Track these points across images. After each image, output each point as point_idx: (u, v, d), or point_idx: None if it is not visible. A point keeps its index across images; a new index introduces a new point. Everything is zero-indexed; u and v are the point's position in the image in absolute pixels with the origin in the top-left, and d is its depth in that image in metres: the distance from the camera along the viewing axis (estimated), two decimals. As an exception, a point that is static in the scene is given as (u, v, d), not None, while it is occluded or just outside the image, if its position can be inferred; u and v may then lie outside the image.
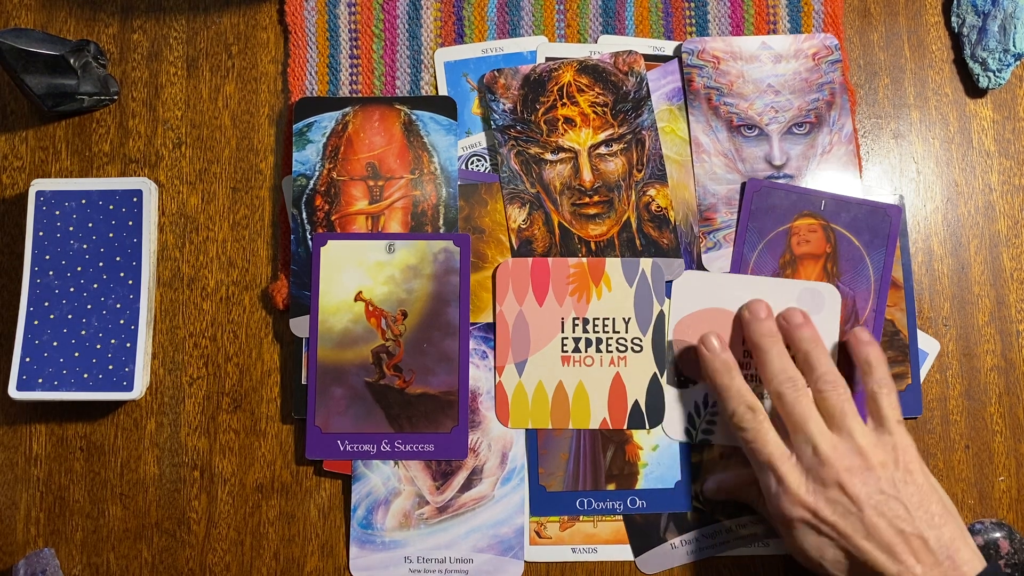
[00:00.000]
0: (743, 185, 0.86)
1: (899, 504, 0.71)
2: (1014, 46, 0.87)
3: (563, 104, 0.87)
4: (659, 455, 0.83)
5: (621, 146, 0.87)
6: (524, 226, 0.86)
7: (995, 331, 0.87)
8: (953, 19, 0.91)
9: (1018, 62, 0.89)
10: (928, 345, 0.86)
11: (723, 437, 0.83)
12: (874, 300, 0.84)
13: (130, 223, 0.84)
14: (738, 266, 0.85)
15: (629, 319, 0.84)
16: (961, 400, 0.86)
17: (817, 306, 0.84)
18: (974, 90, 0.91)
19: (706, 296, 0.85)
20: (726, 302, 0.85)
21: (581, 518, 0.83)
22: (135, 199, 0.85)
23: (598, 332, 0.84)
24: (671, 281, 0.85)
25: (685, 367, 0.84)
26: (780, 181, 0.86)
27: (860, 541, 0.71)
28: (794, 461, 0.74)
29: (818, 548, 0.73)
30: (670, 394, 0.84)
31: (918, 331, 0.86)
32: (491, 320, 0.85)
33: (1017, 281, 0.88)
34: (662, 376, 0.84)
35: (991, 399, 0.86)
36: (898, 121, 0.90)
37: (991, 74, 0.89)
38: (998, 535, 0.82)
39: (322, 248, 0.84)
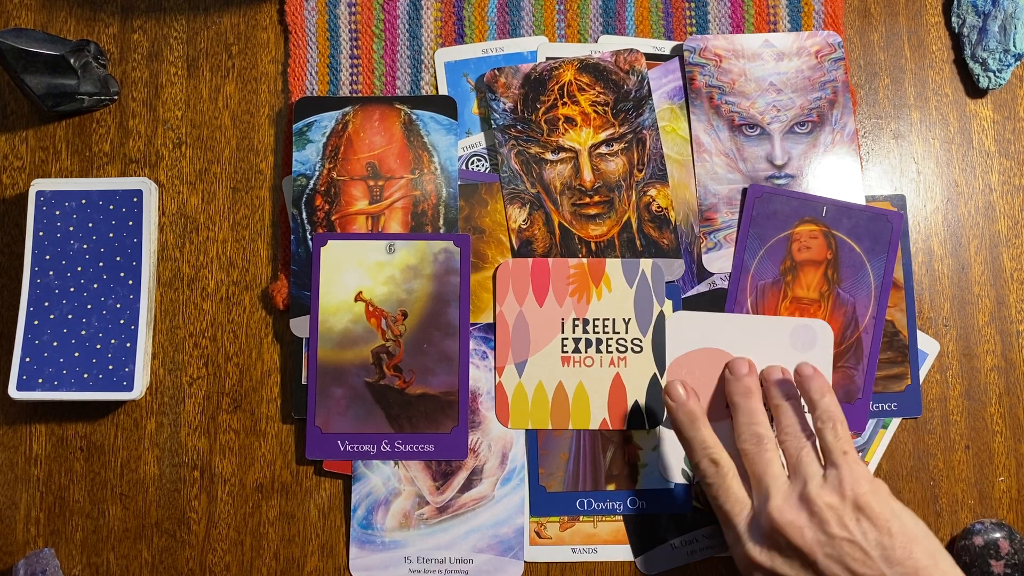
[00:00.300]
0: (744, 191, 0.86)
1: (853, 546, 0.68)
2: (1014, 46, 0.87)
3: (564, 103, 0.87)
4: (659, 456, 0.83)
5: (622, 146, 0.87)
6: (524, 226, 0.86)
7: (995, 331, 0.87)
8: (953, 19, 0.91)
9: (1018, 62, 0.89)
10: (928, 345, 0.86)
11: None
12: (874, 307, 0.84)
13: (130, 223, 0.84)
14: (739, 272, 0.85)
15: (629, 320, 0.84)
16: (961, 400, 0.86)
17: (810, 342, 0.84)
18: (974, 90, 0.91)
19: (698, 336, 0.84)
20: (719, 342, 0.84)
21: (581, 518, 0.83)
22: (135, 199, 0.85)
23: (598, 333, 0.84)
24: (672, 281, 0.85)
25: None
26: (781, 182, 0.86)
27: None
28: (750, 517, 0.73)
29: None
30: (666, 436, 0.84)
31: (918, 331, 0.86)
32: (491, 320, 0.85)
33: (1017, 281, 0.88)
34: (661, 377, 0.84)
35: (991, 399, 0.86)
36: (898, 121, 0.90)
37: (991, 74, 0.89)
38: (998, 535, 0.82)
39: (322, 248, 0.84)
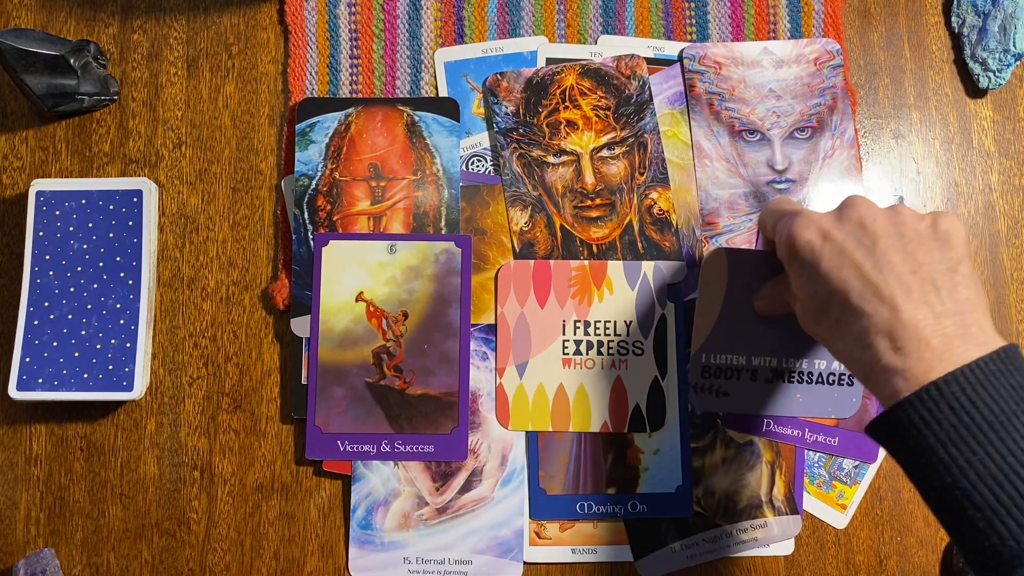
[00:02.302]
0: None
1: (918, 255, 0.63)
2: (1014, 46, 0.88)
3: (565, 107, 0.87)
4: (660, 459, 0.84)
5: (623, 149, 0.87)
6: (526, 228, 0.86)
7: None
8: (953, 19, 0.91)
9: (1018, 62, 0.89)
10: (928, 346, 0.86)
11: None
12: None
13: (130, 223, 0.84)
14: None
15: (631, 322, 0.84)
16: (961, 401, 0.86)
17: None
18: (974, 90, 0.91)
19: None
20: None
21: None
22: (135, 199, 0.85)
23: (599, 335, 0.84)
24: (673, 284, 0.85)
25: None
26: (782, 187, 0.86)
27: (870, 271, 0.64)
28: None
29: (824, 276, 0.65)
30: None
31: (918, 332, 0.86)
32: (492, 321, 0.85)
33: (1017, 281, 0.88)
34: (663, 379, 0.84)
35: (990, 400, 0.86)
36: (898, 121, 0.90)
37: (991, 74, 0.89)
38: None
39: (324, 248, 0.84)
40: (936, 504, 0.60)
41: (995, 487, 0.56)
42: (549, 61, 0.89)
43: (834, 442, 0.84)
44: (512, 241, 0.86)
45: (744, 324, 0.81)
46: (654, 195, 0.86)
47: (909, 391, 0.60)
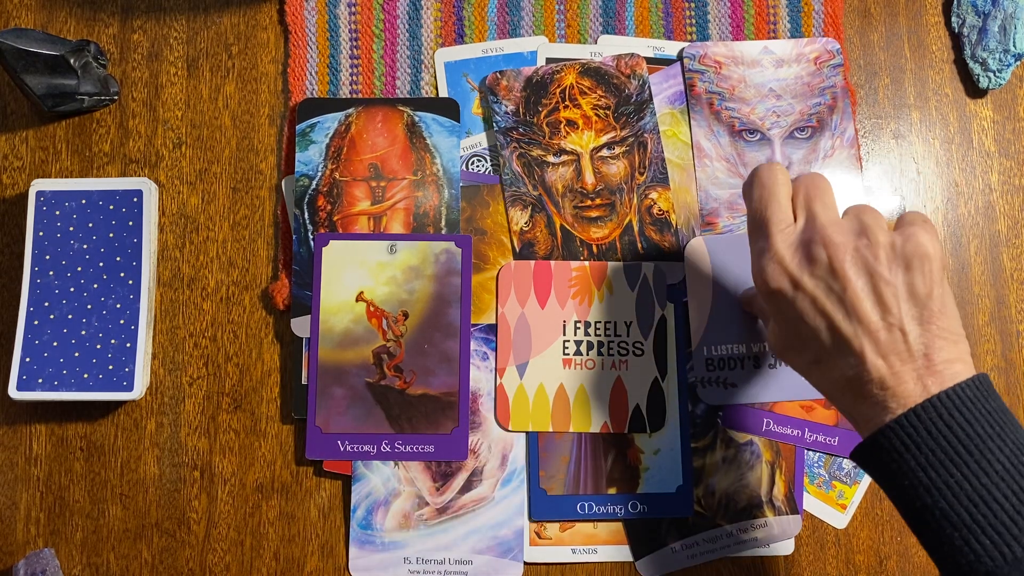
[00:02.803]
0: None
1: (887, 297, 0.64)
2: (1014, 46, 0.88)
3: (565, 106, 0.87)
4: (660, 459, 0.84)
5: (623, 149, 0.87)
6: (526, 228, 0.86)
7: (995, 331, 0.87)
8: (953, 19, 0.91)
9: (1018, 62, 0.89)
10: (928, 346, 0.86)
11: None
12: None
13: (130, 223, 0.84)
14: None
15: (631, 323, 0.84)
16: (961, 401, 0.86)
17: None
18: (974, 90, 0.91)
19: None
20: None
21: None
22: (135, 199, 0.85)
23: (600, 335, 0.84)
24: (673, 284, 0.85)
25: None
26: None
27: (840, 322, 0.64)
28: (789, 231, 0.68)
29: (796, 321, 0.67)
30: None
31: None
32: (492, 321, 0.85)
33: (1017, 281, 0.88)
34: (663, 380, 0.84)
35: (991, 400, 0.86)
36: (898, 121, 0.90)
37: (991, 74, 0.89)
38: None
39: (324, 248, 0.84)
40: (916, 524, 0.62)
41: (971, 507, 0.59)
42: (549, 61, 0.89)
43: (834, 442, 0.84)
44: (512, 241, 0.86)
45: (738, 312, 0.83)
46: (654, 195, 0.86)
47: (888, 419, 0.62)
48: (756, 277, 0.69)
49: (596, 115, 0.87)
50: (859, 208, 0.68)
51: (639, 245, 0.86)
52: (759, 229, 0.70)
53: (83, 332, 0.83)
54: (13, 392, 0.82)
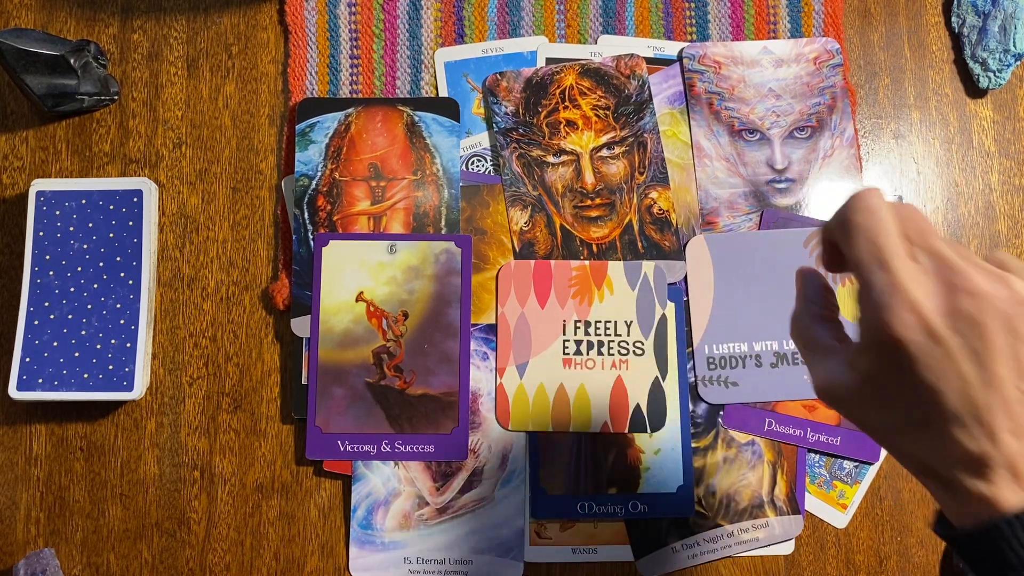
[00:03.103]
0: (761, 214, 0.86)
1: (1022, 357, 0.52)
2: (1014, 46, 0.88)
3: (565, 107, 0.87)
4: (661, 459, 0.83)
5: (623, 149, 0.87)
6: (526, 228, 0.86)
7: (995, 332, 0.87)
8: (953, 19, 0.91)
9: (1018, 62, 0.89)
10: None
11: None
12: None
13: (130, 223, 0.84)
14: None
15: (631, 322, 0.84)
16: (961, 401, 0.86)
17: None
18: (974, 90, 0.91)
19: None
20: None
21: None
22: (135, 199, 0.85)
23: (600, 335, 0.84)
24: (673, 283, 0.85)
25: None
26: (782, 186, 0.86)
27: (976, 388, 0.52)
28: (917, 269, 0.54)
29: (917, 379, 0.53)
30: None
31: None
32: (492, 321, 0.85)
33: (1017, 282, 0.88)
34: (664, 379, 0.84)
35: (991, 400, 0.86)
36: (898, 121, 0.90)
37: (991, 74, 0.89)
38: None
39: (324, 248, 0.84)
40: None
41: None
42: (549, 61, 0.89)
43: (835, 442, 0.84)
44: (512, 241, 0.86)
45: (739, 309, 0.82)
46: (654, 195, 0.86)
47: (994, 514, 0.53)
48: (871, 320, 0.55)
49: (596, 115, 0.87)
50: (960, 247, 0.55)
51: (639, 244, 0.86)
52: (875, 261, 0.55)
53: (83, 332, 0.83)
54: (13, 392, 0.82)
